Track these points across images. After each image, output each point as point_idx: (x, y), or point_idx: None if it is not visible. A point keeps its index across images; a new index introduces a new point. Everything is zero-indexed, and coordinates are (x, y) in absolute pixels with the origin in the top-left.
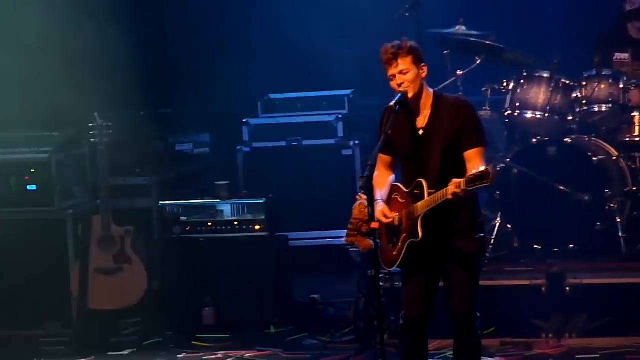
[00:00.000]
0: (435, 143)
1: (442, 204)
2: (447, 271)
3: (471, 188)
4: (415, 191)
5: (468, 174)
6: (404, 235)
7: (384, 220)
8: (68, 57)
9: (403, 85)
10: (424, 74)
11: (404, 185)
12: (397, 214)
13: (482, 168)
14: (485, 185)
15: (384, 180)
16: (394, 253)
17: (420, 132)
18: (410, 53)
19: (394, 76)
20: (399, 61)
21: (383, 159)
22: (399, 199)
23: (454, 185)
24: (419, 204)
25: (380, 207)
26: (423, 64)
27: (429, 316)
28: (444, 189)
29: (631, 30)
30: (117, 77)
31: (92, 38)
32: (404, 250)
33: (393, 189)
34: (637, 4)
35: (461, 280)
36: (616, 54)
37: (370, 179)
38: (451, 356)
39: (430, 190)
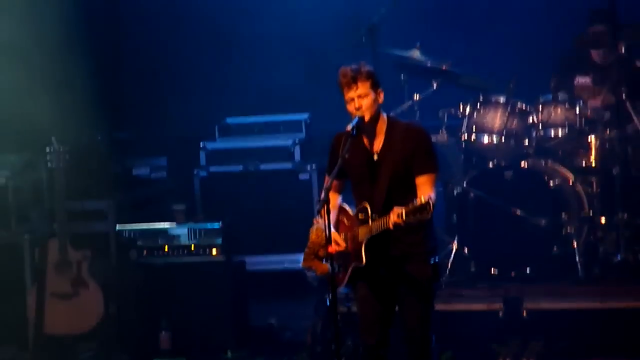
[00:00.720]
0: (386, 168)
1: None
2: (401, 296)
3: (411, 219)
4: (360, 215)
5: (409, 205)
6: (349, 258)
7: (336, 248)
8: (24, 81)
9: (361, 109)
10: (381, 100)
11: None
12: (345, 242)
13: (424, 199)
14: (425, 217)
15: (333, 202)
16: (340, 276)
17: (375, 156)
18: (369, 77)
19: (352, 99)
20: (358, 84)
21: (334, 182)
22: (345, 222)
23: (395, 215)
24: (362, 228)
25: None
26: (380, 89)
27: (387, 342)
28: (386, 217)
29: (594, 54)
30: (74, 101)
31: (49, 62)
32: (348, 273)
33: (340, 210)
34: (600, 29)
35: (415, 305)
36: (578, 78)
37: (327, 202)
38: None
39: (374, 216)
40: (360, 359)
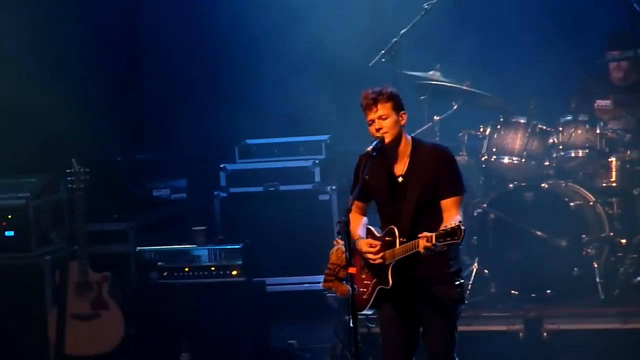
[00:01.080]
0: (411, 190)
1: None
2: (425, 318)
3: (442, 243)
4: (387, 238)
5: (439, 229)
6: (375, 280)
7: (370, 250)
8: (45, 102)
9: (382, 130)
10: (404, 121)
11: (380, 230)
12: (382, 251)
13: (454, 224)
14: (455, 242)
15: (356, 223)
16: (365, 297)
17: (400, 179)
18: (390, 99)
19: (373, 121)
20: (379, 106)
21: (357, 204)
22: None
23: (425, 239)
24: (389, 252)
25: (364, 241)
26: (403, 111)
27: None
28: (415, 241)
29: (614, 76)
30: (95, 122)
31: (70, 83)
32: (373, 295)
33: (367, 232)
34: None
35: (440, 327)
36: (597, 101)
37: (347, 224)
38: None
39: (401, 239)
40: None
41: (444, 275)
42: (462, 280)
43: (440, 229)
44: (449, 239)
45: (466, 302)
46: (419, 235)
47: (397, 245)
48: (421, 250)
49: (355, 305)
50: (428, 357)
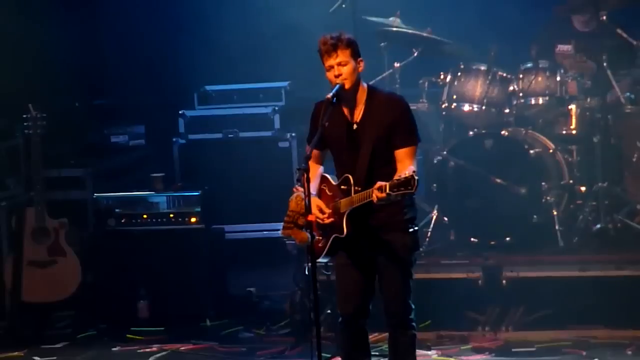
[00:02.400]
0: (367, 138)
1: None
2: (380, 265)
3: (395, 193)
4: (342, 186)
5: (393, 179)
6: (329, 228)
7: (320, 216)
8: (1, 48)
9: (341, 77)
10: (361, 69)
11: (337, 176)
12: (331, 210)
13: (407, 174)
14: (409, 192)
15: (313, 172)
16: (320, 245)
17: (355, 126)
18: (349, 46)
19: (332, 67)
20: (338, 52)
21: (314, 152)
22: (327, 191)
23: (378, 190)
24: (344, 200)
25: (315, 201)
26: (360, 59)
27: (367, 312)
28: (369, 190)
29: (575, 22)
30: (51, 68)
31: (26, 28)
32: (328, 243)
33: (322, 180)
34: None
35: (396, 274)
36: (559, 46)
37: (306, 171)
38: (387, 350)
39: (356, 187)
40: (338, 330)
41: (398, 223)
42: (416, 228)
43: (394, 178)
44: (402, 189)
45: (423, 249)
46: (374, 187)
47: (352, 194)
48: (375, 200)
49: (314, 253)
50: (384, 304)
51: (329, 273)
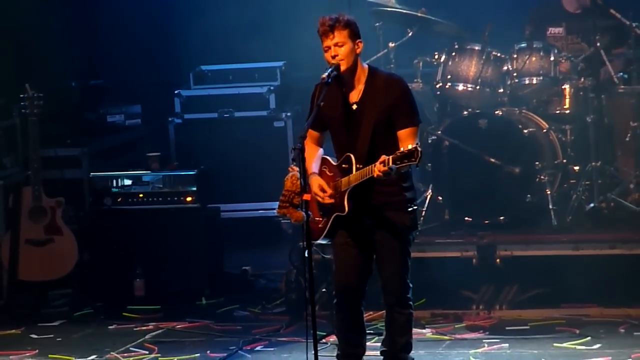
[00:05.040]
0: (367, 118)
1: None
2: (379, 243)
3: (399, 166)
4: (344, 165)
5: (396, 152)
6: (330, 208)
7: (321, 194)
8: None
9: (337, 57)
10: (359, 50)
11: (337, 157)
12: (339, 177)
13: (411, 146)
14: (412, 163)
15: (313, 153)
16: (320, 225)
17: (354, 106)
18: (347, 27)
19: (329, 47)
20: (335, 33)
21: (312, 133)
22: (327, 172)
23: (381, 163)
24: (345, 179)
25: (317, 180)
26: (359, 40)
27: (363, 293)
28: (371, 165)
29: (566, 3)
30: (48, 48)
31: (22, 8)
32: (329, 223)
33: (323, 161)
34: None
35: (395, 252)
36: (550, 28)
37: (302, 150)
38: (382, 327)
39: (358, 165)
40: (335, 309)
41: (398, 202)
42: (415, 207)
43: (397, 152)
44: (406, 160)
45: (420, 228)
46: (378, 161)
47: (354, 172)
48: (376, 173)
49: (309, 232)
50: (382, 283)
51: (328, 256)
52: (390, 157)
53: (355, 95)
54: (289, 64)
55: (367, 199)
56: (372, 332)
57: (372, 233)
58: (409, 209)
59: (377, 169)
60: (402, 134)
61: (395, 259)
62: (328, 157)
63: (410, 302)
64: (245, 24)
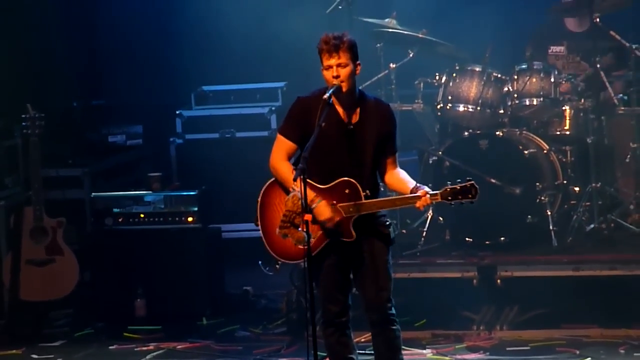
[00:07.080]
0: (368, 141)
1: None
2: (361, 261)
3: (452, 201)
4: (346, 190)
5: (450, 187)
6: (321, 233)
7: (330, 224)
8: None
9: (339, 78)
10: (358, 72)
11: (317, 180)
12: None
13: (468, 183)
14: (469, 200)
15: (289, 169)
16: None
17: (351, 127)
18: (350, 48)
19: (331, 67)
20: (340, 54)
21: (288, 147)
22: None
23: (428, 198)
24: (350, 205)
25: (326, 210)
26: (358, 62)
27: (348, 310)
28: (408, 196)
29: (568, 23)
30: (50, 68)
31: (25, 28)
32: (322, 244)
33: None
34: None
35: (382, 267)
36: (552, 47)
37: (303, 171)
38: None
39: (366, 192)
40: (323, 330)
41: (378, 217)
42: (390, 222)
43: (451, 187)
44: (461, 196)
45: (418, 248)
46: (418, 193)
47: (363, 199)
48: (421, 208)
49: (310, 252)
50: (368, 302)
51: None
52: (440, 192)
53: (350, 117)
54: (290, 84)
55: (360, 220)
56: (362, 352)
57: (352, 252)
58: (387, 223)
59: (423, 202)
60: (391, 159)
61: (384, 273)
62: (309, 180)
63: (396, 318)
64: (247, 45)
